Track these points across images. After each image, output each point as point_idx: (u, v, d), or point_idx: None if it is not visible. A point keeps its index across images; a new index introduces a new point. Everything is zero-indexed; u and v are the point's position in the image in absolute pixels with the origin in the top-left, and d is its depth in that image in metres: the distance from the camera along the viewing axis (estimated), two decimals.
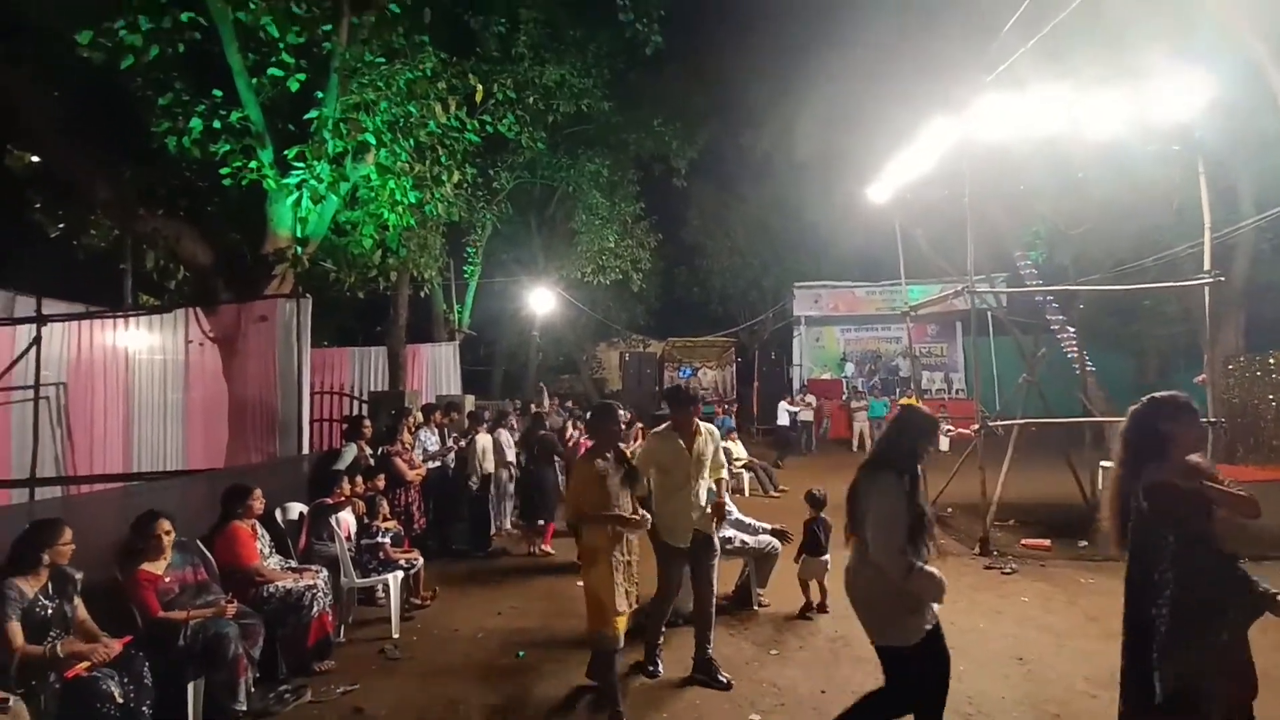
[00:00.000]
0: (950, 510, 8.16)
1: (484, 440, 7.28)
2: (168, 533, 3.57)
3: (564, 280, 15.33)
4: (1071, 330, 10.53)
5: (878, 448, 2.96)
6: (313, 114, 5.83)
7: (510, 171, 12.04)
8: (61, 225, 7.09)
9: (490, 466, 7.26)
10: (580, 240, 13.62)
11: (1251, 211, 10.41)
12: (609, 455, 3.55)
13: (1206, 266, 5.93)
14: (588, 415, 7.00)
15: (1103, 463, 9.14)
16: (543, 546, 6.75)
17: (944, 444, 12.91)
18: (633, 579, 3.51)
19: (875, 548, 2.59)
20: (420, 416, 7.35)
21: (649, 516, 3.62)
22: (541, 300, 14.99)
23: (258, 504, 4.22)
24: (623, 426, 3.78)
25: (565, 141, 12.92)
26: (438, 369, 11.58)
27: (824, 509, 5.18)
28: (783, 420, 14.02)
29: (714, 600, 3.92)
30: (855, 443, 15.46)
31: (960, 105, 5.99)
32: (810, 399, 15.58)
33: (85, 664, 2.89)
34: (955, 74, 7.49)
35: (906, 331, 9.62)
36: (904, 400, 3.09)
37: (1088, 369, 13.27)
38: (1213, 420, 6.10)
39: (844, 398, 17.58)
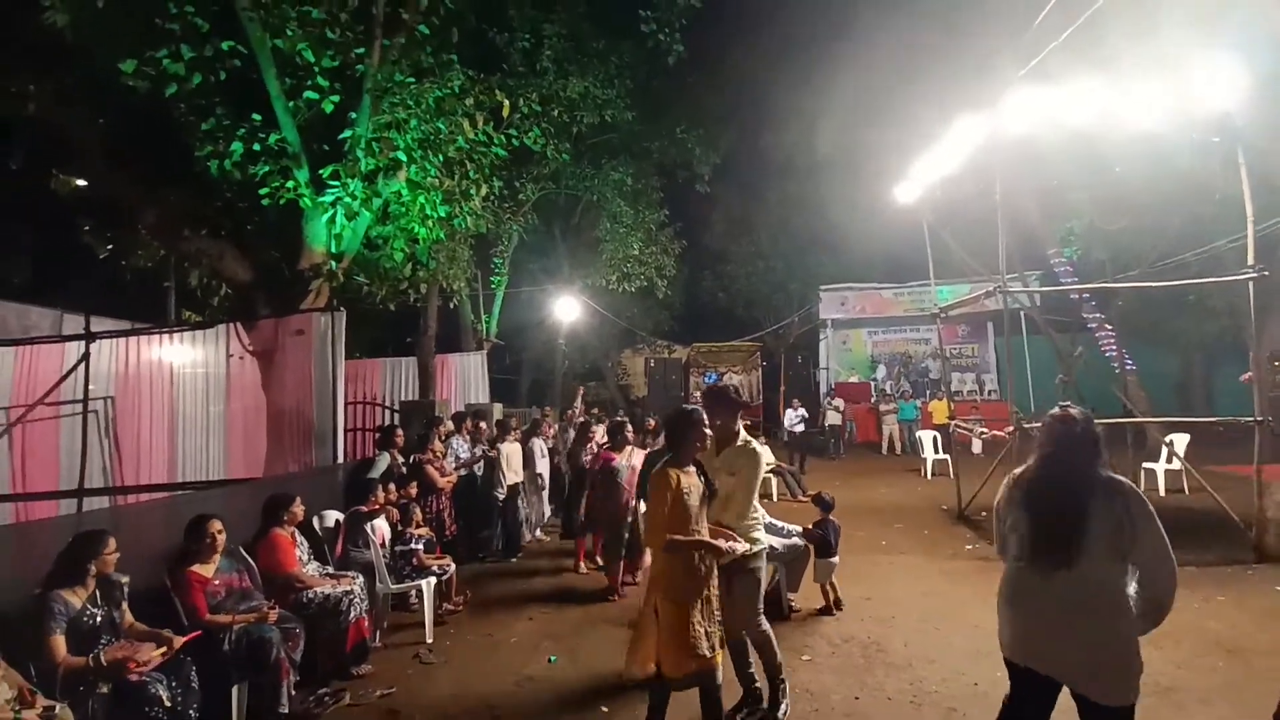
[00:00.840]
0: (984, 514, 8.00)
1: (509, 449, 7.35)
2: (220, 532, 3.70)
3: (589, 288, 15.45)
4: (1110, 329, 10.24)
5: (1085, 458, 2.30)
6: (347, 134, 6.02)
7: (535, 183, 12.20)
8: (110, 247, 7.42)
9: (517, 475, 7.32)
10: (605, 248, 13.73)
11: None
12: (690, 469, 3.03)
13: (1250, 261, 5.73)
14: (615, 420, 6.97)
15: (1145, 464, 8.88)
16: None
17: (976, 446, 12.65)
18: (714, 617, 2.92)
19: (1162, 581, 2.17)
20: (451, 425, 7.48)
21: (741, 542, 3.11)
22: (567, 308, 15.12)
23: (298, 512, 4.35)
24: (704, 431, 3.11)
25: (589, 151, 13.05)
26: (466, 378, 11.77)
27: (832, 512, 5.31)
28: (794, 426, 12.66)
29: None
30: (885, 446, 15.25)
31: (991, 100, 5.90)
32: (838, 403, 15.42)
33: (136, 666, 2.99)
34: (984, 69, 7.39)
35: (937, 333, 9.46)
36: (1064, 411, 2.44)
37: (1127, 367, 12.90)
38: (1259, 419, 5.87)
39: (872, 401, 17.36)
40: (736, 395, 3.53)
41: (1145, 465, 8.83)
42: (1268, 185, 6.73)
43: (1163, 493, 8.82)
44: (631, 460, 6.08)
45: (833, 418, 14.95)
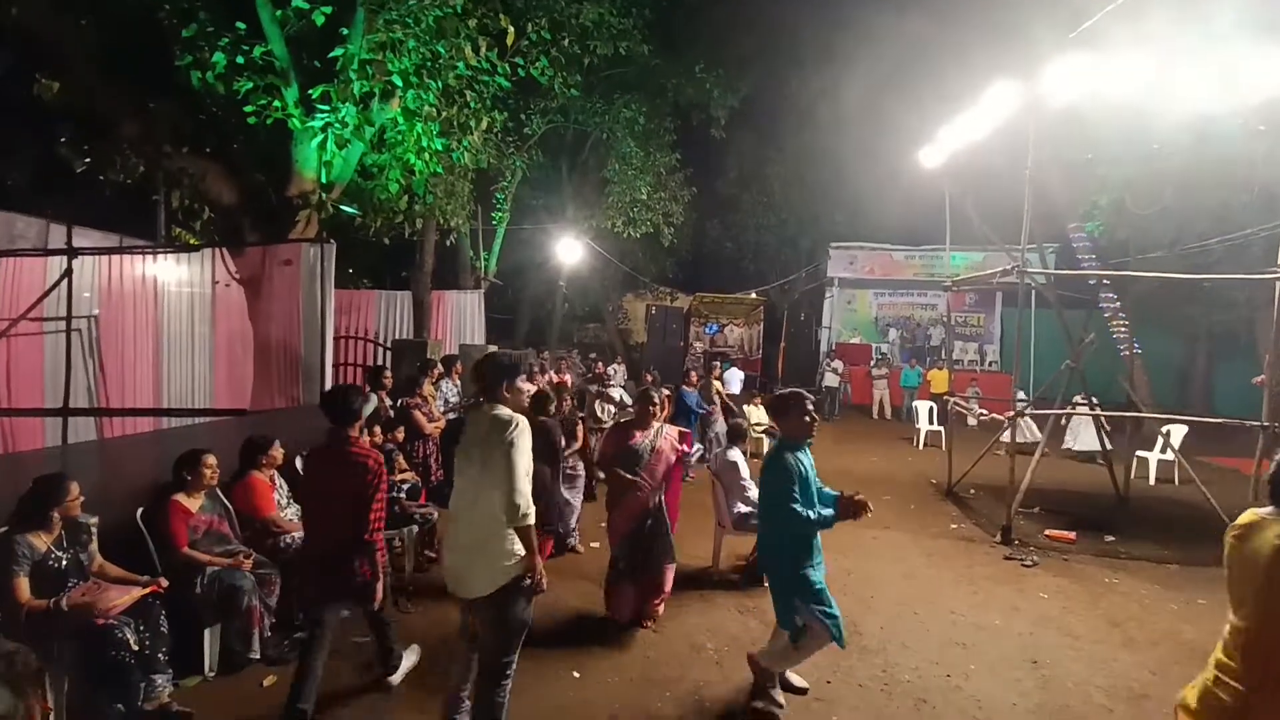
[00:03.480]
0: (973, 492, 8.00)
1: None
2: (213, 468, 3.63)
3: (593, 229, 15.03)
4: (1123, 316, 9.98)
5: None
6: (338, 51, 5.59)
7: (542, 116, 11.62)
8: (88, 160, 7.04)
9: None
10: (612, 190, 13.24)
11: None
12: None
13: None
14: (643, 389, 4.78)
15: (1139, 453, 8.84)
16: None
17: (971, 421, 12.60)
18: None
19: None
20: (443, 368, 7.35)
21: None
22: (569, 250, 14.76)
23: (277, 455, 4.26)
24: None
25: (601, 85, 12.38)
26: (463, 316, 11.57)
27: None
28: (734, 389, 10.83)
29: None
30: (875, 410, 15.23)
31: (1030, 66, 5.48)
32: (837, 364, 15.29)
33: (101, 610, 2.95)
34: (1026, 33, 6.87)
35: (946, 301, 9.24)
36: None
37: (1135, 353, 12.70)
38: (1265, 425, 5.74)
39: (871, 363, 17.24)
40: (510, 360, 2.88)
41: (1139, 453, 8.79)
42: None
43: (1153, 481, 8.82)
44: (658, 440, 4.29)
45: (830, 379, 14.87)
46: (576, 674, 3.59)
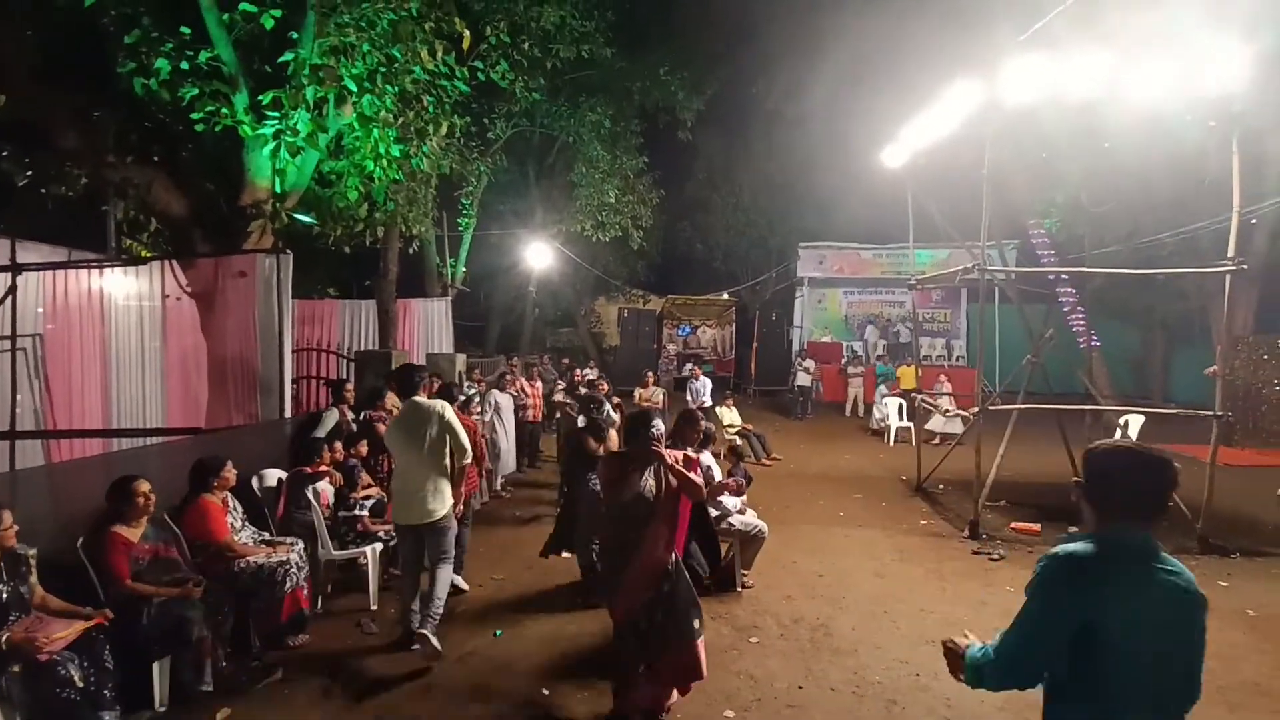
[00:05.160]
0: (942, 487, 8.10)
1: (504, 399, 7.35)
2: (148, 494, 3.46)
3: (563, 234, 14.91)
4: (1081, 310, 10.23)
5: None
6: (288, 56, 5.43)
7: (506, 120, 11.48)
8: (29, 173, 6.74)
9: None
10: (580, 194, 13.15)
11: (1276, 185, 9.97)
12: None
13: (1231, 253, 5.62)
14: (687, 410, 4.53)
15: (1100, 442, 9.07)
16: None
17: (939, 424, 12.75)
18: None
19: None
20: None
21: None
22: (539, 255, 14.63)
23: (229, 476, 4.10)
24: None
25: (566, 88, 12.29)
26: (430, 325, 11.36)
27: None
28: (703, 398, 10.48)
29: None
30: (849, 408, 15.39)
31: (986, 67, 5.56)
32: (809, 363, 15.41)
33: (42, 646, 2.79)
34: (982, 34, 6.98)
35: (911, 297, 9.38)
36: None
37: (1093, 344, 13.04)
38: (1218, 414, 5.91)
39: (843, 362, 17.41)
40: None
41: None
42: (1256, 172, 6.61)
43: None
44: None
45: (802, 378, 14.96)
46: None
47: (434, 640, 3.68)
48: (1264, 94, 5.54)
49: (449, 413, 3.94)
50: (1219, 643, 4.07)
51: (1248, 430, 11.41)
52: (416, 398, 3.97)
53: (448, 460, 3.95)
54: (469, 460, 4.11)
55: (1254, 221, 10.97)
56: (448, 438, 3.90)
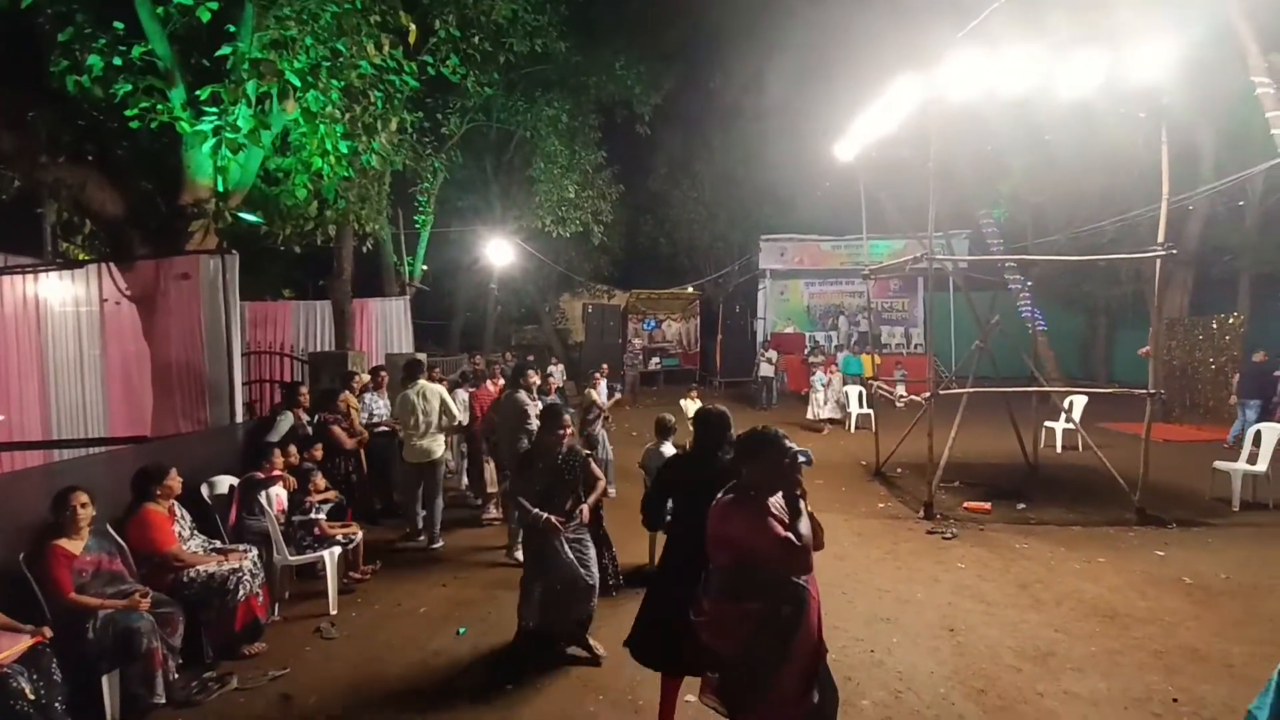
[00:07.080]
0: (900, 470, 8.34)
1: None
2: (84, 505, 3.34)
3: (524, 230, 14.78)
4: (1028, 294, 10.60)
5: None
6: (226, 50, 5.25)
7: (461, 115, 11.31)
8: None
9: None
10: (539, 189, 13.05)
11: (1211, 172, 10.50)
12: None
13: (1160, 239, 5.91)
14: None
15: (1046, 423, 9.44)
16: None
17: (900, 405, 13.06)
18: None
19: None
20: (366, 378, 7.07)
21: None
22: (500, 251, 14.47)
23: (174, 484, 3.98)
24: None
25: (522, 82, 12.16)
26: (388, 324, 11.16)
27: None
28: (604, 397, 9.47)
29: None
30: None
31: (928, 63, 5.72)
32: (771, 354, 15.62)
33: None
34: (926, 30, 7.17)
35: (868, 287, 9.64)
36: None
37: (1039, 329, 13.56)
38: (1151, 392, 6.22)
39: (805, 352, 17.71)
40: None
41: (1046, 424, 9.40)
42: (1184, 161, 6.94)
43: (1059, 450, 9.44)
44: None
45: (765, 369, 15.17)
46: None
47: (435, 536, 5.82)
48: (1190, 87, 5.84)
49: (445, 393, 5.95)
50: (1157, 609, 4.30)
51: (1185, 407, 12.02)
52: (423, 380, 5.88)
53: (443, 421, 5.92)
54: (458, 421, 6.27)
55: (1191, 208, 11.55)
56: (444, 407, 5.90)
